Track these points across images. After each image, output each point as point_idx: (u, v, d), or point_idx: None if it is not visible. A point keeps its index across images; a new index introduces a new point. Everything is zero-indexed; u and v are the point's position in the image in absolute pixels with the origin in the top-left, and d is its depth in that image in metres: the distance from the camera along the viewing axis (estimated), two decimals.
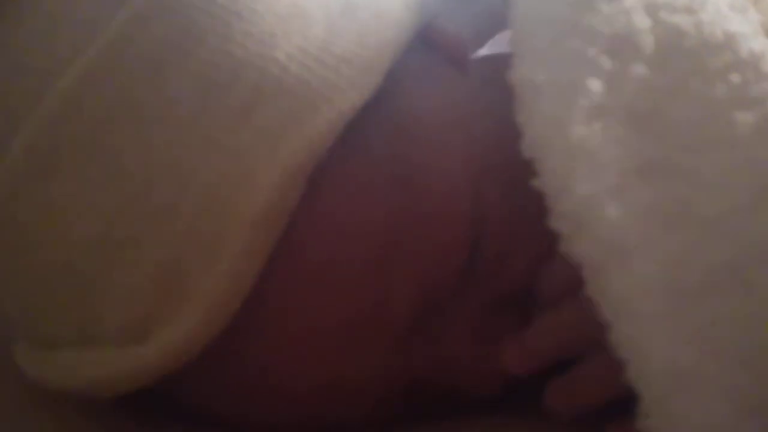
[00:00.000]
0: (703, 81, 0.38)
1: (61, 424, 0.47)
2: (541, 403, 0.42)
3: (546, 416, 0.42)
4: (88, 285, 0.40)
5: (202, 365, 0.40)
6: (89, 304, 0.41)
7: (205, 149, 0.39)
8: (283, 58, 0.40)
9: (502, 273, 0.44)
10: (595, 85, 0.39)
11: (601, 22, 0.40)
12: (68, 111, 0.40)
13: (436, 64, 0.48)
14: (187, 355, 0.40)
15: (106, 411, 0.47)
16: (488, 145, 0.44)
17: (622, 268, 0.35)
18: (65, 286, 0.41)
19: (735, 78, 0.38)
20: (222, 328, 0.39)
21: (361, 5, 0.44)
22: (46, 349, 0.44)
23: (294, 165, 0.39)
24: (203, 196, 0.39)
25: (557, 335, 0.42)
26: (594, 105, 0.38)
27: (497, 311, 0.44)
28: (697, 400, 0.33)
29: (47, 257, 0.41)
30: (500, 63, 0.51)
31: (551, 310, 0.42)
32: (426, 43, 0.48)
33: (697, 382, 0.33)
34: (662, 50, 0.40)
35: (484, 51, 0.53)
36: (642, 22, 0.40)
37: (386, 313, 0.42)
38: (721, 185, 0.36)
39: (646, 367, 0.34)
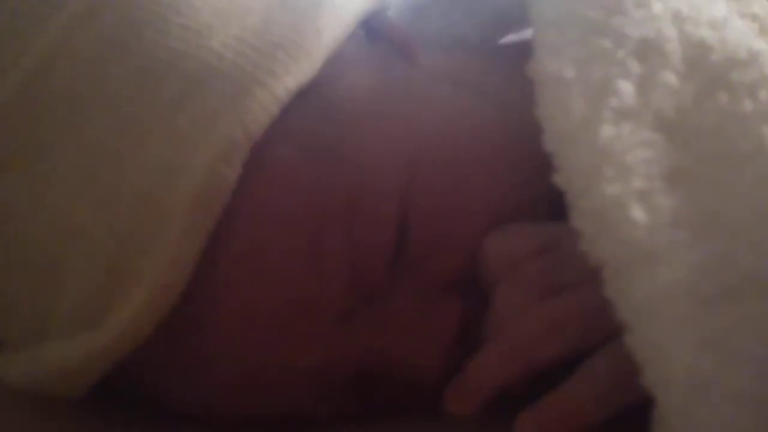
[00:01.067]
0: (730, 95, 0.39)
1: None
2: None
3: None
4: (40, 278, 0.41)
5: (152, 350, 0.40)
6: (42, 297, 0.42)
7: (143, 138, 0.40)
8: (219, 47, 0.42)
9: (435, 261, 0.44)
10: (626, 87, 0.38)
11: (630, 26, 0.40)
12: (14, 108, 0.41)
13: (382, 55, 0.48)
14: (137, 336, 0.40)
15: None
16: (426, 136, 0.45)
17: (646, 271, 0.35)
18: (18, 282, 0.42)
19: (763, 95, 0.38)
20: (168, 310, 0.40)
21: None
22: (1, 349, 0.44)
23: (228, 148, 0.40)
24: (143, 182, 0.40)
25: (502, 370, 0.41)
26: (624, 106, 0.38)
27: (434, 299, 0.44)
28: (716, 407, 0.32)
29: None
30: (457, 59, 0.52)
31: (494, 342, 0.42)
32: (374, 35, 0.49)
33: (716, 389, 0.33)
34: (688, 61, 0.40)
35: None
36: (670, 30, 0.40)
37: (320, 295, 0.42)
38: (747, 195, 0.36)
39: (666, 373, 0.33)
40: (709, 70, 0.40)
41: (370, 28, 0.49)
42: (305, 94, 0.42)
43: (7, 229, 0.42)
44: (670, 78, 0.39)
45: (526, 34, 0.54)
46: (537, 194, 0.45)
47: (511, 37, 0.56)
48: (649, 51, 0.40)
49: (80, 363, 0.41)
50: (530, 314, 0.41)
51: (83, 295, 0.41)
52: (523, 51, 0.43)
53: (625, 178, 0.37)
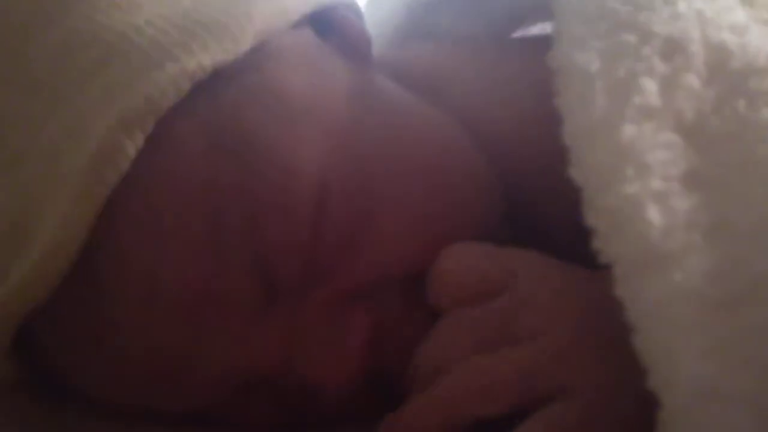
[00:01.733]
0: (748, 103, 0.39)
1: None
2: None
3: None
4: None
5: (56, 319, 0.41)
6: None
7: (55, 103, 0.40)
8: (142, 23, 0.42)
9: (350, 266, 0.43)
10: (650, 85, 0.38)
11: (657, 23, 0.40)
12: None
13: (328, 51, 0.48)
14: (29, 296, 0.40)
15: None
16: (351, 139, 0.44)
17: (658, 274, 0.35)
18: None
19: None
20: (60, 273, 0.40)
21: None
22: None
23: (129, 117, 0.39)
24: (47, 146, 0.40)
25: (433, 423, 0.41)
26: (647, 105, 0.38)
27: (345, 310, 0.43)
28: (719, 412, 0.33)
29: None
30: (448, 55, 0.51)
31: (426, 390, 0.41)
32: (327, 30, 0.48)
33: (720, 393, 0.33)
34: (710, 66, 0.40)
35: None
36: (694, 31, 0.40)
37: (221, 285, 0.41)
38: (761, 202, 0.36)
39: (672, 377, 0.34)
40: (730, 76, 0.40)
41: (325, 22, 0.48)
42: (225, 77, 0.42)
43: None
44: (693, 81, 0.39)
45: (534, 30, 0.54)
46: (488, 210, 0.45)
47: (518, 34, 0.56)
48: (674, 50, 0.39)
49: None
50: (465, 370, 0.40)
51: None
52: (533, 44, 0.43)
53: (643, 178, 0.37)
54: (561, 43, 0.40)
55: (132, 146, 0.39)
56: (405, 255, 0.44)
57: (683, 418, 0.33)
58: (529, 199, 0.49)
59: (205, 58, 0.41)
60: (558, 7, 0.43)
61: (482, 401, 0.40)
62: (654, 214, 0.36)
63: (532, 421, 0.38)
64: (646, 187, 0.36)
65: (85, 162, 0.39)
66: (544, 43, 0.42)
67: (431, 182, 0.45)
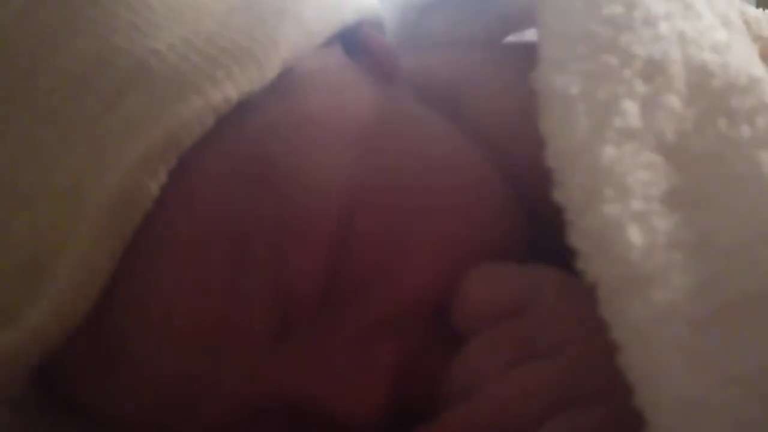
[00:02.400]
0: (729, 122, 0.39)
1: None
2: None
3: None
4: None
5: (74, 354, 0.41)
6: None
7: (72, 134, 0.39)
8: (163, 49, 0.40)
9: (373, 295, 0.43)
10: (631, 107, 0.39)
11: (638, 44, 0.40)
12: None
13: (357, 71, 0.47)
14: (50, 336, 0.40)
15: None
16: (379, 163, 0.43)
17: (639, 294, 0.35)
18: None
19: (760, 121, 0.39)
20: (83, 311, 0.39)
21: (266, 1, 0.44)
22: None
23: (152, 154, 0.39)
24: (67, 180, 0.39)
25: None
26: (627, 127, 0.38)
27: (369, 340, 0.43)
28: (704, 428, 0.33)
29: None
30: (453, 65, 0.51)
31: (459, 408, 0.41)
32: (355, 49, 0.48)
33: (706, 412, 0.34)
34: (691, 85, 0.40)
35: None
36: (675, 52, 0.41)
37: (242, 316, 0.40)
38: (742, 218, 0.37)
39: (656, 395, 0.34)
40: (711, 95, 0.40)
41: (352, 41, 0.48)
42: (251, 106, 0.41)
43: None
44: (674, 101, 0.39)
45: (530, 33, 0.54)
46: (510, 230, 0.45)
47: (512, 37, 0.56)
48: (654, 72, 0.40)
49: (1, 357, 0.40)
50: (501, 382, 0.40)
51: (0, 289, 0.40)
52: (529, 55, 0.42)
53: (624, 200, 0.37)
54: (543, 64, 0.41)
55: (155, 184, 0.39)
56: (431, 280, 0.43)
57: None
58: (544, 212, 0.49)
59: (230, 89, 0.40)
60: (542, 27, 0.43)
61: (514, 417, 0.39)
62: (634, 235, 0.36)
63: (555, 423, 0.39)
64: (627, 207, 0.37)
65: (107, 200, 0.38)
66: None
67: (457, 205, 0.44)
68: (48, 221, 0.39)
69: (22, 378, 0.42)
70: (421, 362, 0.43)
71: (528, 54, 0.43)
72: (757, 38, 0.46)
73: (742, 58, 0.42)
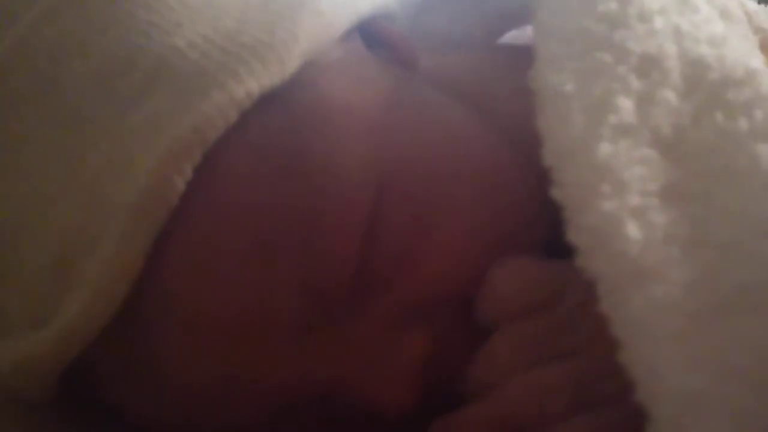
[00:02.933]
0: (726, 114, 0.39)
1: None
2: None
3: None
4: None
5: (105, 355, 0.41)
6: None
7: (96, 136, 0.40)
8: (184, 46, 0.40)
9: (402, 282, 0.43)
10: (625, 103, 0.39)
11: (632, 40, 0.41)
12: None
13: (378, 62, 0.47)
14: (81, 338, 0.40)
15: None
16: (406, 149, 0.43)
17: (639, 288, 0.36)
18: None
19: (758, 114, 0.39)
20: (113, 311, 0.40)
21: None
22: None
23: (177, 151, 0.39)
24: (93, 181, 0.39)
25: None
26: (622, 123, 0.39)
27: (399, 327, 0.43)
28: (706, 422, 0.33)
29: None
30: (459, 65, 0.51)
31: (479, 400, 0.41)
32: (374, 41, 0.48)
33: (707, 404, 0.34)
34: (687, 79, 0.40)
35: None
36: (670, 47, 0.41)
37: (273, 307, 0.40)
38: (739, 211, 0.37)
39: (658, 389, 0.34)
40: (707, 88, 0.40)
41: (370, 33, 0.48)
42: (274, 99, 0.41)
43: None
44: (670, 96, 0.40)
45: (528, 30, 0.54)
46: (532, 219, 0.45)
47: (512, 33, 0.56)
48: (649, 67, 0.40)
49: (27, 363, 0.41)
50: (520, 381, 0.40)
51: (30, 293, 0.41)
52: (528, 55, 0.43)
53: (621, 195, 0.37)
54: (539, 63, 0.41)
55: (181, 180, 0.39)
56: (459, 266, 0.43)
57: (672, 429, 0.34)
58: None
59: (252, 84, 0.40)
60: (538, 25, 0.43)
61: (532, 416, 0.40)
62: (632, 230, 0.36)
63: (574, 423, 0.39)
64: (624, 203, 0.37)
65: (134, 199, 0.39)
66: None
67: (483, 192, 0.44)
68: (75, 222, 0.40)
69: (51, 379, 0.42)
70: (449, 351, 0.43)
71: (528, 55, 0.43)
72: (757, 30, 0.46)
73: (740, 51, 0.42)
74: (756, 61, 0.41)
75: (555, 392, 0.39)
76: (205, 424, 0.43)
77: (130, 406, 0.44)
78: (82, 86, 0.40)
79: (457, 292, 0.43)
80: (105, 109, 0.40)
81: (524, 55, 0.43)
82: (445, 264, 0.43)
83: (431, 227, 0.43)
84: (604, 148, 0.38)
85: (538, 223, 0.45)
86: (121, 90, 0.40)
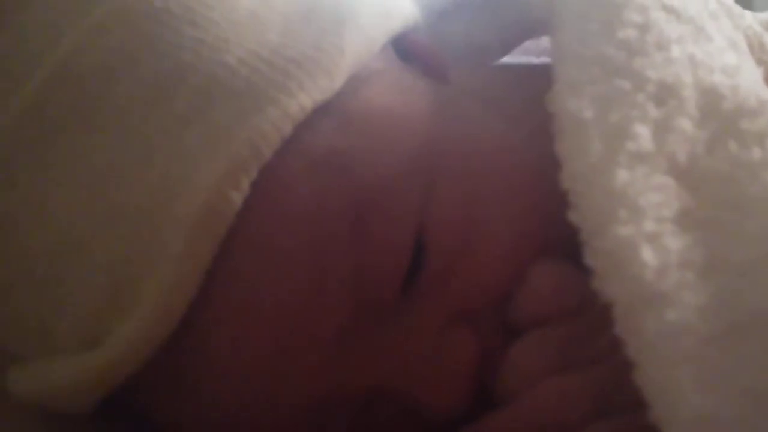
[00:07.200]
0: (739, 144, 0.40)
1: None
2: None
3: None
4: (43, 293, 0.41)
5: (152, 374, 0.41)
6: (46, 312, 0.41)
7: (149, 155, 0.40)
8: (234, 62, 0.41)
9: (451, 288, 0.43)
10: (643, 131, 0.40)
11: (650, 68, 0.41)
12: (24, 122, 0.41)
13: (413, 73, 0.48)
14: (135, 359, 0.40)
15: None
16: (451, 155, 0.44)
17: (653, 312, 0.36)
18: (23, 296, 0.42)
19: None
20: (172, 328, 0.40)
21: (324, 10, 0.45)
22: (8, 360, 0.44)
23: (235, 168, 0.39)
24: (147, 201, 0.39)
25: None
26: (639, 150, 0.39)
27: (450, 333, 0.44)
28: None
29: (4, 268, 0.42)
30: (481, 78, 0.52)
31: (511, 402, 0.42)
32: (406, 54, 0.49)
33: (717, 426, 0.34)
34: (702, 108, 0.41)
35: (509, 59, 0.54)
36: (686, 75, 0.42)
37: (323, 302, 0.41)
38: (753, 239, 0.38)
39: (671, 411, 0.35)
40: (721, 117, 0.41)
41: (402, 46, 0.48)
42: (322, 112, 0.41)
43: (12, 241, 0.42)
44: (686, 124, 0.40)
45: (544, 42, 0.55)
46: (565, 230, 0.44)
47: (528, 44, 0.56)
48: (667, 95, 0.41)
49: (79, 381, 0.41)
50: (543, 387, 0.40)
51: (83, 314, 0.41)
52: (545, 73, 0.43)
53: (637, 221, 0.38)
54: (557, 86, 0.42)
55: (239, 197, 0.39)
56: (509, 266, 0.44)
57: None
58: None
59: (305, 98, 0.41)
60: (556, 47, 0.44)
61: (554, 423, 0.40)
62: (648, 255, 0.37)
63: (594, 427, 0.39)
64: (640, 229, 0.38)
65: (193, 217, 0.39)
66: None
67: (525, 194, 0.45)
68: (131, 242, 0.39)
69: (101, 395, 0.42)
70: (494, 352, 0.44)
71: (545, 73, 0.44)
72: (760, 62, 0.47)
73: (752, 81, 0.43)
74: (766, 92, 0.42)
75: (576, 399, 0.40)
76: (244, 425, 0.43)
77: (164, 412, 0.44)
78: (132, 102, 0.40)
79: (503, 291, 0.44)
80: (157, 127, 0.40)
81: (541, 75, 0.44)
82: (497, 269, 0.44)
83: (481, 225, 0.43)
84: (622, 175, 0.39)
85: (567, 232, 0.46)
86: (173, 107, 0.40)
